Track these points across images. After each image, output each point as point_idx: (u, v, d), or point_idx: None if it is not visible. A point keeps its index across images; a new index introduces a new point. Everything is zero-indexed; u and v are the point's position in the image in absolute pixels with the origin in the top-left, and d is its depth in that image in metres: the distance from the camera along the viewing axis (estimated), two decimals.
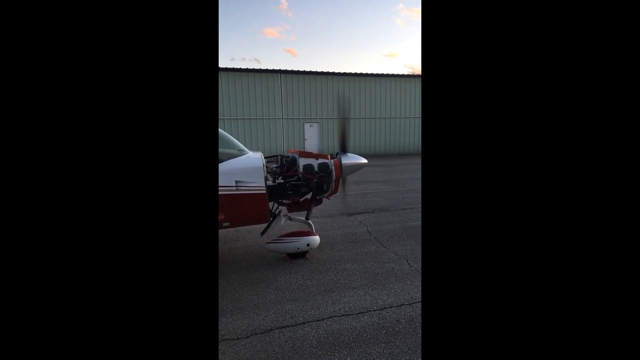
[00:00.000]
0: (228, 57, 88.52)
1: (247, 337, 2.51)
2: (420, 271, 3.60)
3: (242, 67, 16.39)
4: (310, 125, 17.83)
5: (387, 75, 18.56)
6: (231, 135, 16.49)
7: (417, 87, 19.12)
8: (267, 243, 4.00)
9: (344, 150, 4.06)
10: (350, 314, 2.80)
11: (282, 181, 3.87)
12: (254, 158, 3.59)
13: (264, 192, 3.48)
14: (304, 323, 2.69)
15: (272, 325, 2.67)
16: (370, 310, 2.85)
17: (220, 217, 3.31)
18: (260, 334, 2.56)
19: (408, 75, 19.03)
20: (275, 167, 3.96)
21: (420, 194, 7.74)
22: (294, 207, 4.17)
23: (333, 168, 3.86)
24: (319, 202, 4.19)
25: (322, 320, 2.73)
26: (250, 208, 3.49)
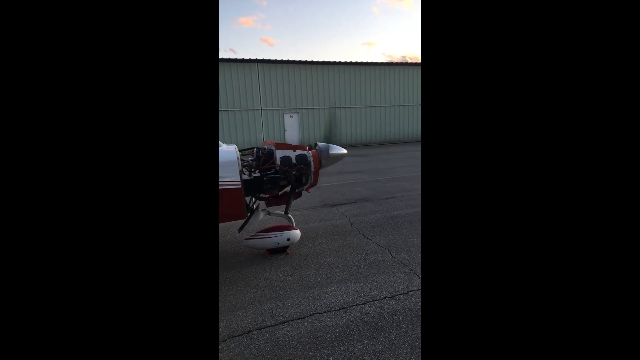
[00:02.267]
0: None
1: (224, 341, 2.38)
2: (403, 261, 3.56)
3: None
4: (290, 116, 17.55)
5: (367, 64, 18.41)
6: None
7: (396, 75, 19.10)
8: (246, 239, 3.85)
9: (328, 141, 3.93)
10: (333, 310, 2.72)
11: (258, 175, 3.71)
12: (227, 151, 3.41)
13: (240, 186, 3.31)
14: (284, 322, 2.58)
15: (250, 326, 2.55)
16: (352, 305, 2.77)
17: None
18: (238, 336, 2.43)
19: (387, 64, 18.96)
20: (251, 160, 3.79)
21: (401, 183, 7.75)
22: (272, 201, 4.03)
23: (312, 160, 3.73)
24: (299, 195, 4.07)
25: (303, 318, 2.63)
26: (226, 204, 3.31)
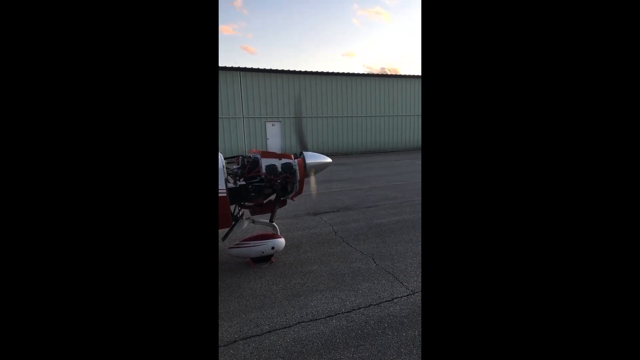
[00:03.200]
0: None
1: None
2: (387, 269, 3.61)
3: None
4: (272, 125, 17.56)
5: (348, 75, 18.73)
6: None
7: (376, 86, 19.52)
8: (230, 248, 3.81)
9: (304, 148, 3.97)
10: (319, 319, 2.72)
11: (244, 183, 3.70)
12: None
13: (225, 194, 3.29)
14: (270, 332, 2.57)
15: (235, 336, 2.51)
16: (338, 314, 2.79)
17: None
18: (222, 346, 2.40)
19: (367, 75, 19.36)
20: (236, 168, 3.78)
21: (383, 192, 7.87)
22: (257, 209, 4.01)
23: (297, 168, 3.75)
24: (284, 203, 4.07)
25: (289, 327, 2.62)
26: None
